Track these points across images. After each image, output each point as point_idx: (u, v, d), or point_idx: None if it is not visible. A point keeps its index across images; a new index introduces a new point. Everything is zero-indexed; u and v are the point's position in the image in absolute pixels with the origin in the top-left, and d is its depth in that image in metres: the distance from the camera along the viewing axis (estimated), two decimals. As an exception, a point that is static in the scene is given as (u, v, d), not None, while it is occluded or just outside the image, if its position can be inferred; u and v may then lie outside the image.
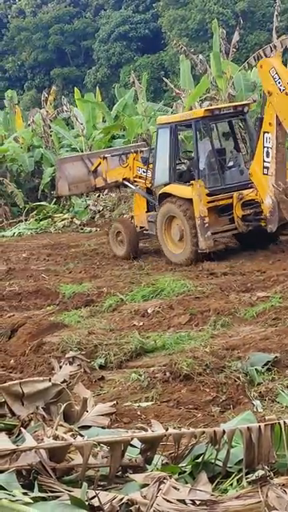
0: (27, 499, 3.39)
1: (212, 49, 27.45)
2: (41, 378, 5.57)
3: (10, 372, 8.37)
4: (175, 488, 3.67)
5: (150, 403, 6.80)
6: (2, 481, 3.64)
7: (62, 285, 13.43)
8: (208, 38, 42.48)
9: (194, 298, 10.87)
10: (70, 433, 4.62)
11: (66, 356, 8.10)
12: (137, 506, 3.48)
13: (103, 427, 5.19)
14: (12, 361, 8.87)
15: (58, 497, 3.59)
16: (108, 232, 17.75)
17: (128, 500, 3.55)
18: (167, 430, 4.33)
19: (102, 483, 3.96)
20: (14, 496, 3.41)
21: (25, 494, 3.51)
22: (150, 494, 3.54)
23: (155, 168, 15.86)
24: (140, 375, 7.50)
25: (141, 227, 16.80)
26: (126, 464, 4.14)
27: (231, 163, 15.66)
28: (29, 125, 31.87)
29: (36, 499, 3.45)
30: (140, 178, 16.74)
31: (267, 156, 14.09)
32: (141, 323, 9.87)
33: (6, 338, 9.97)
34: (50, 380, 5.48)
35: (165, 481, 3.67)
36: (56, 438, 4.35)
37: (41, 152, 30.11)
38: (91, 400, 5.64)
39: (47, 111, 31.93)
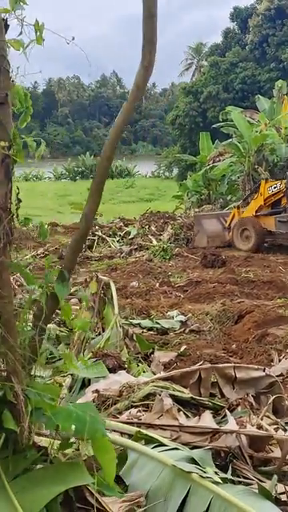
0: (216, 478, 3.42)
1: None
2: (255, 367, 5.57)
3: (231, 356, 8.42)
4: None
5: None
6: (198, 456, 3.70)
7: (299, 280, 13.27)
8: None
9: None
10: (275, 426, 4.58)
11: (288, 351, 8.04)
12: None
13: (309, 428, 5.09)
14: (234, 345, 8.93)
15: (248, 484, 3.59)
16: (233, 229, 19.54)
17: None
18: None
19: (295, 481, 3.89)
20: (204, 472, 3.46)
21: (215, 473, 3.55)
22: None
23: None
24: None
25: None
26: None
27: None
28: (294, 116, 31.44)
29: (225, 481, 3.47)
30: (271, 195, 18.90)
31: None
32: None
33: (233, 322, 10.05)
34: (264, 370, 5.47)
35: None
36: (259, 427, 4.34)
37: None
38: (303, 399, 5.54)
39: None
